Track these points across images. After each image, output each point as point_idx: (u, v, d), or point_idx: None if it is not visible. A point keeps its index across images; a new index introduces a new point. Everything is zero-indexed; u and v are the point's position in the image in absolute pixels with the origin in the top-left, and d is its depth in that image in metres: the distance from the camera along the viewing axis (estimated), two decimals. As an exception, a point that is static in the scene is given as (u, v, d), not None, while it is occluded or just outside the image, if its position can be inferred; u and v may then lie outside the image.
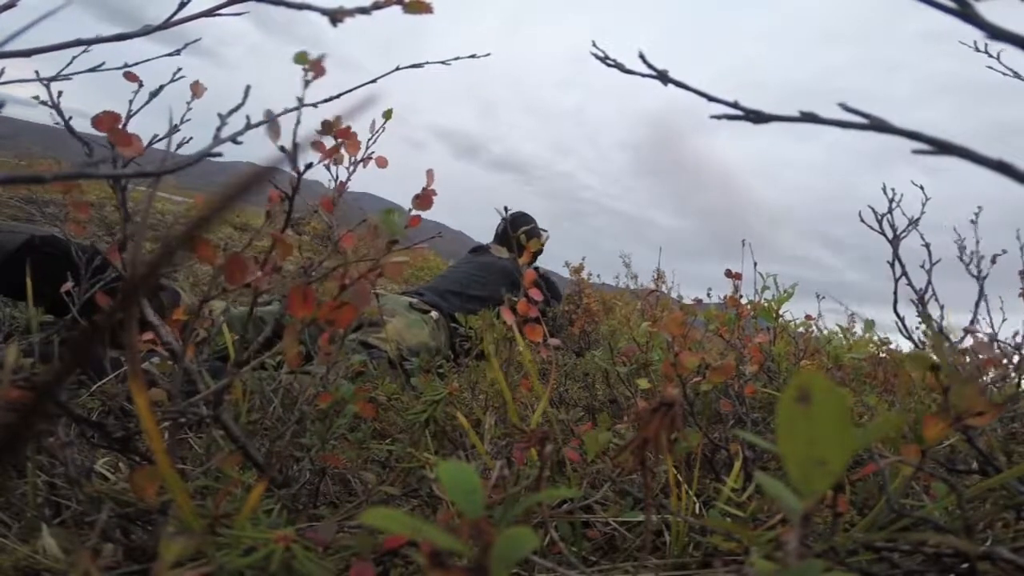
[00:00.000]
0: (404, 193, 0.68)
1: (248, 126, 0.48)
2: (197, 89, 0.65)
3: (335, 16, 0.39)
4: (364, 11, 0.42)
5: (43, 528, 0.45)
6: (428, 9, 0.43)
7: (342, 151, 0.67)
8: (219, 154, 0.40)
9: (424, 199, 0.67)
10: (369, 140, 0.73)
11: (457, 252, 2.85)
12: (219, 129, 0.46)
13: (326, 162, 0.68)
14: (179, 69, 0.67)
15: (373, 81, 0.64)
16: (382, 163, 0.75)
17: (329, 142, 0.66)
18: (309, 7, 0.43)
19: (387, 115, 0.76)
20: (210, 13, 0.49)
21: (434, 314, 1.92)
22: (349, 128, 0.66)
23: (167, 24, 0.49)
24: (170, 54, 0.67)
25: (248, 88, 0.52)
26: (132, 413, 0.49)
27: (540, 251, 0.85)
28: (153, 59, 0.64)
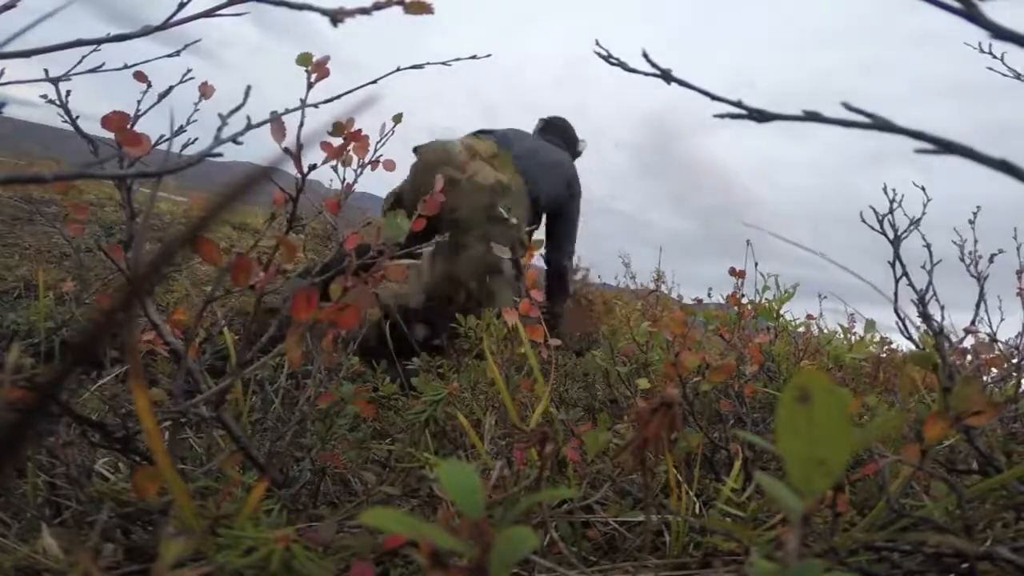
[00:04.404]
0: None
1: (249, 126, 0.48)
2: (206, 90, 0.65)
3: (335, 16, 0.39)
4: (364, 11, 0.42)
5: (43, 528, 0.45)
6: (428, 9, 0.43)
7: (351, 153, 0.67)
8: (219, 154, 0.40)
9: (431, 203, 0.67)
10: (378, 143, 0.73)
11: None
12: (220, 130, 0.46)
13: (333, 163, 0.68)
14: (189, 70, 0.67)
15: (374, 82, 0.64)
16: (390, 167, 0.75)
17: (337, 143, 0.66)
18: (309, 7, 0.43)
19: (397, 119, 0.76)
20: (210, 14, 0.49)
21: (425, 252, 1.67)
22: (360, 131, 0.66)
23: (167, 24, 0.48)
24: (170, 55, 0.67)
25: (249, 89, 0.52)
26: (133, 413, 0.49)
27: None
28: (153, 60, 0.64)
